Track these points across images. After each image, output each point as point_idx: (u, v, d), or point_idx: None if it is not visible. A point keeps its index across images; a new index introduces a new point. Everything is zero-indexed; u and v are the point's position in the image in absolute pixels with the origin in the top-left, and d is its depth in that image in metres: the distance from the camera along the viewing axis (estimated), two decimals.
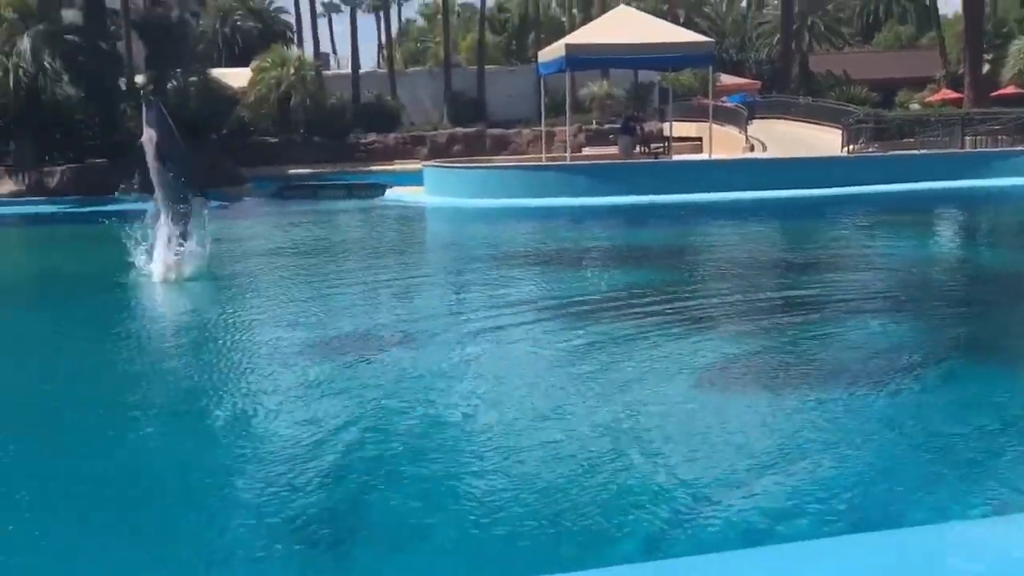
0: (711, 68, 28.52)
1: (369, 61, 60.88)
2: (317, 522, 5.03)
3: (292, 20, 53.60)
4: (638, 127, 27.96)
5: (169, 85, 29.40)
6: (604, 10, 35.76)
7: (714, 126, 27.30)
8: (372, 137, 37.98)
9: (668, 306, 10.37)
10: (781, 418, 6.45)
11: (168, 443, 6.45)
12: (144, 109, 12.42)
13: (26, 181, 26.14)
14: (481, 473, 5.60)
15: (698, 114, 34.03)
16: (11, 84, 25.20)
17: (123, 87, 30.18)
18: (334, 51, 62.69)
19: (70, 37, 27.25)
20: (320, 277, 13.53)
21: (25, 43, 25.53)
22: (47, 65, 25.63)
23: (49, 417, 7.06)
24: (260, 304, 11.50)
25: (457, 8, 62.02)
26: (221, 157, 30.74)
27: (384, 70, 46.78)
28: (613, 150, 28.98)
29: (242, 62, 42.17)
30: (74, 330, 10.36)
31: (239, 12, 50.73)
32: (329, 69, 48.45)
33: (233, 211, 25.23)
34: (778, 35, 46.91)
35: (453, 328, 9.47)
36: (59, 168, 26.63)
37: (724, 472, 5.51)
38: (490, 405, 6.93)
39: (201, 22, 44.54)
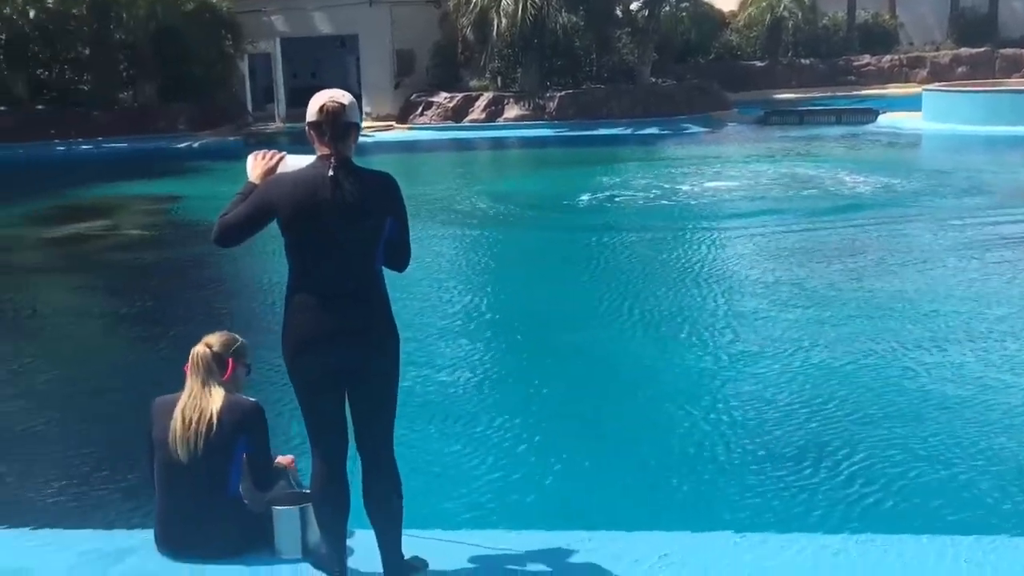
0: None
1: None
2: None
3: None
4: None
5: (663, 11, 29.74)
6: None
7: None
8: (865, 59, 35.90)
9: None
10: None
11: None
12: None
13: (530, 106, 27.97)
14: None
15: None
16: (519, 15, 26.92)
17: (619, 14, 31.08)
18: None
19: None
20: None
21: None
22: None
23: None
24: None
25: None
26: (707, 81, 30.78)
27: None
28: None
29: None
30: None
31: None
32: None
33: (717, 135, 25.29)
34: None
35: None
36: (558, 94, 28.16)
37: None
38: None
39: None
